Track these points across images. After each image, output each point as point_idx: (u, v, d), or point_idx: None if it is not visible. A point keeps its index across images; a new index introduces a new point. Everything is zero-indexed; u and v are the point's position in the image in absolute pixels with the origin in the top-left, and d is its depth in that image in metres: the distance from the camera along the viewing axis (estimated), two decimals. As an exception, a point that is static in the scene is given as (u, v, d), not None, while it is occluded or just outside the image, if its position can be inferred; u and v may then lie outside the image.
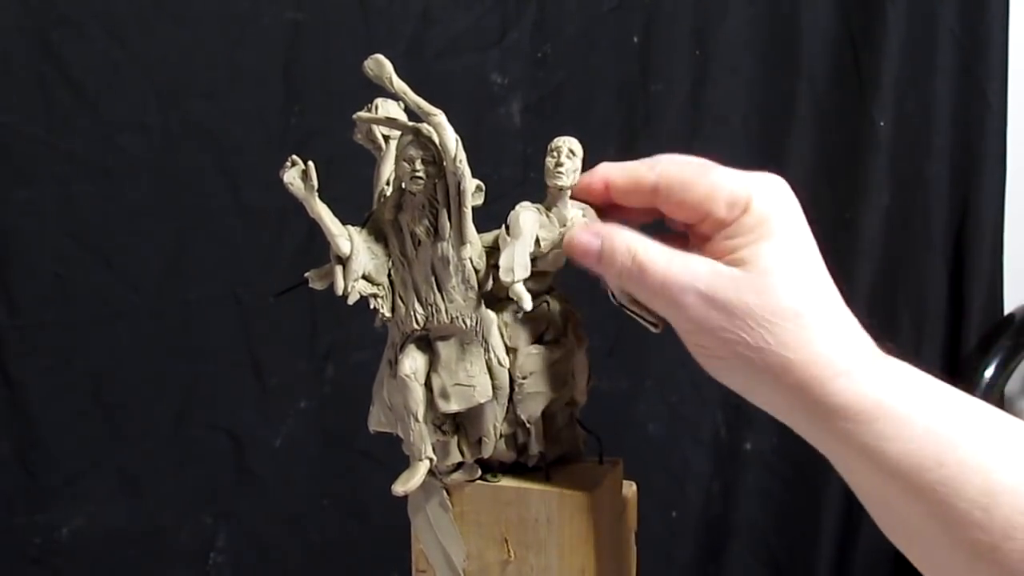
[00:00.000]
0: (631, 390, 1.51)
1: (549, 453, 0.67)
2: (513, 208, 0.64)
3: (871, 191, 1.62)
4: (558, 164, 0.61)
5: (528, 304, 0.59)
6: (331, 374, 1.25)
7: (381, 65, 0.57)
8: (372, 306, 0.64)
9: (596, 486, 0.64)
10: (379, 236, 0.63)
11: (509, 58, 1.34)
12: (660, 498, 1.53)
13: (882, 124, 1.60)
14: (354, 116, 0.63)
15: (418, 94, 0.57)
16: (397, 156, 0.61)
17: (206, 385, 1.19)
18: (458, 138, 0.59)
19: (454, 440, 0.64)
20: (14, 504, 1.12)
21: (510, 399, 0.63)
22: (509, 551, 0.64)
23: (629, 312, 0.60)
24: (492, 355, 0.61)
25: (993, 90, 1.70)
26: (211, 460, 1.20)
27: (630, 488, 0.69)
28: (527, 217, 0.61)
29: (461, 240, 0.60)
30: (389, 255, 0.63)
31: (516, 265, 0.60)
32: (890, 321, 1.69)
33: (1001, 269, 1.77)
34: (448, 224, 0.60)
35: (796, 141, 1.57)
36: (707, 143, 1.51)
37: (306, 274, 0.63)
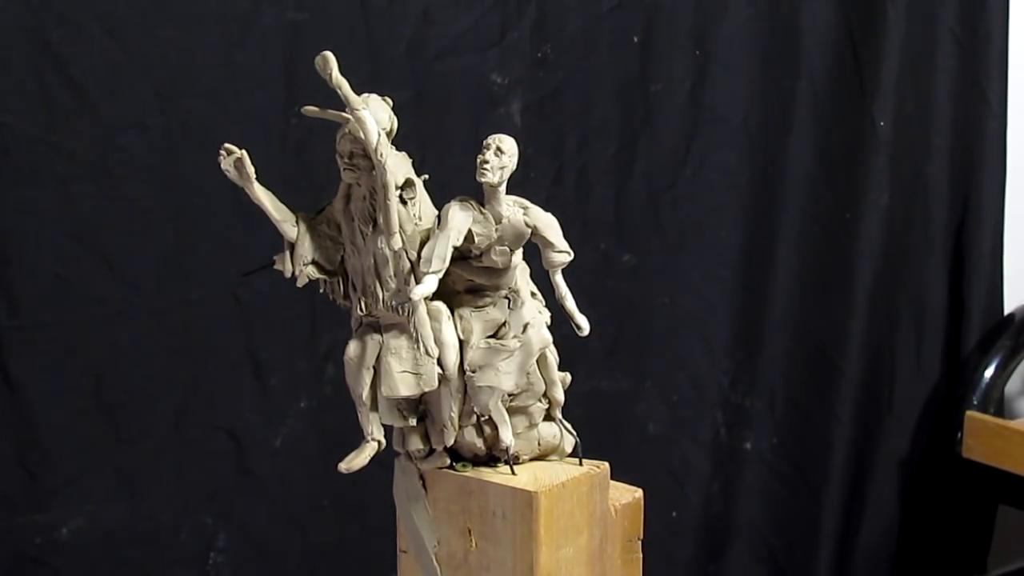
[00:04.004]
0: (631, 390, 1.51)
1: (522, 449, 0.68)
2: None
3: (871, 191, 1.62)
4: (483, 161, 0.62)
5: (419, 293, 0.61)
6: (331, 374, 1.25)
7: (326, 60, 0.60)
8: (322, 290, 0.67)
9: (551, 485, 0.64)
10: (332, 224, 0.66)
11: (509, 58, 1.34)
12: (660, 498, 1.54)
13: (882, 124, 1.60)
14: (301, 110, 0.65)
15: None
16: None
17: (206, 385, 1.19)
18: (381, 132, 0.61)
19: (416, 426, 0.66)
20: (14, 504, 1.12)
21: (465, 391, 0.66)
22: (472, 541, 0.65)
23: None
24: (420, 344, 0.63)
25: (993, 90, 1.70)
26: (211, 460, 1.21)
27: (634, 494, 0.69)
28: (455, 213, 0.63)
29: (388, 231, 0.62)
30: (343, 243, 0.66)
31: (434, 256, 0.61)
32: (890, 321, 1.69)
33: (1001, 269, 1.77)
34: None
35: (796, 141, 1.57)
36: (707, 143, 1.51)
37: (274, 257, 0.66)
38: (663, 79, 1.47)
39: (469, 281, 0.65)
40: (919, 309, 1.72)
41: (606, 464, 0.68)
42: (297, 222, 0.66)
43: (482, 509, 0.64)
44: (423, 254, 0.62)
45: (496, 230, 0.63)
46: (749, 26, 1.52)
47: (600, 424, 1.44)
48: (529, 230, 0.64)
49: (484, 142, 0.63)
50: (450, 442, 0.66)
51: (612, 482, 0.68)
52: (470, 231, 0.63)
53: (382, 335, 0.65)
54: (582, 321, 0.66)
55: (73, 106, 1.10)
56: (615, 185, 1.44)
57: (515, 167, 0.63)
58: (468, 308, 0.65)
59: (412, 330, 0.63)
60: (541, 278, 0.68)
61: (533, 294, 0.68)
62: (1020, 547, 1.80)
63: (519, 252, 0.66)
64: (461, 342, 0.64)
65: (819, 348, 1.64)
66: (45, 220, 1.11)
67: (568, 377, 0.70)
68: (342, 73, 0.60)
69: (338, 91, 0.60)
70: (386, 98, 0.64)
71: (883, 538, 1.72)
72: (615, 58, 1.43)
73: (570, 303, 0.66)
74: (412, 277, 0.63)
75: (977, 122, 1.71)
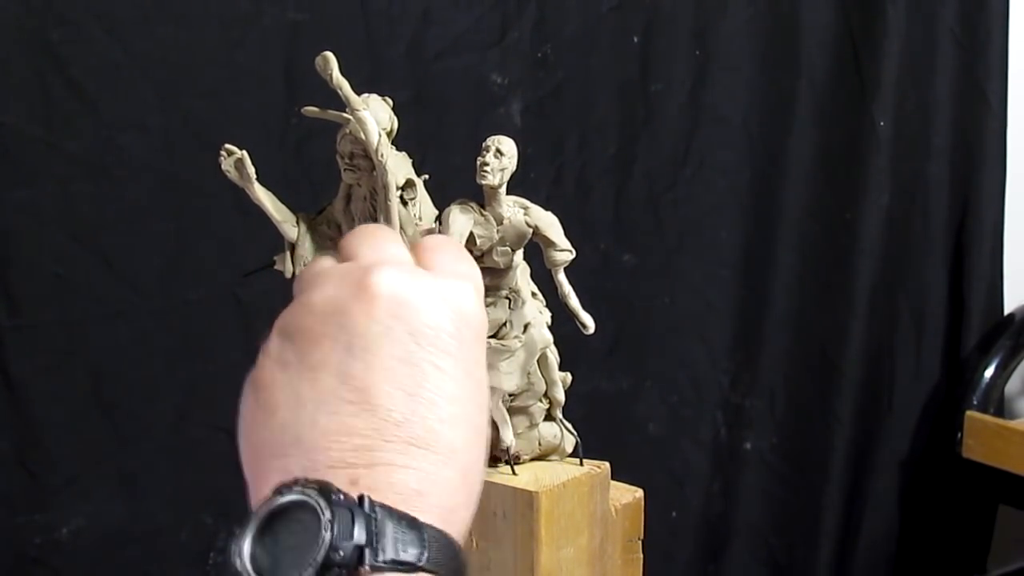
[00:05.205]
0: (631, 390, 1.51)
1: (522, 449, 0.68)
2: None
3: (871, 191, 1.62)
4: (484, 163, 0.62)
5: None
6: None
7: (327, 60, 0.60)
8: None
9: (552, 485, 0.64)
10: (332, 224, 0.66)
11: (509, 58, 1.34)
12: (660, 498, 1.54)
13: (882, 124, 1.60)
14: (302, 110, 0.65)
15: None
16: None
17: (206, 385, 1.19)
18: (382, 132, 0.61)
19: None
20: (14, 504, 1.12)
21: None
22: (473, 541, 0.65)
23: None
24: None
25: (993, 90, 1.70)
26: (211, 460, 1.20)
27: (635, 495, 0.69)
28: (456, 216, 0.63)
29: None
30: None
31: None
32: (890, 321, 1.69)
33: (1001, 269, 1.77)
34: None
35: (796, 141, 1.57)
36: (707, 143, 1.51)
37: (275, 257, 0.66)
38: (663, 79, 1.47)
39: (470, 281, 0.65)
40: (919, 309, 1.72)
41: (607, 464, 0.68)
42: (298, 222, 0.66)
43: (482, 509, 0.64)
44: None
45: (497, 231, 0.63)
46: (749, 26, 1.52)
47: (600, 424, 1.44)
48: (530, 230, 0.64)
49: (484, 144, 0.63)
50: None
51: (612, 482, 0.68)
52: (471, 233, 0.63)
53: None
54: (587, 319, 0.66)
55: (73, 106, 1.10)
56: (615, 185, 1.44)
57: (515, 168, 0.63)
58: None
59: None
60: (542, 278, 0.68)
61: (534, 294, 0.68)
62: (1020, 547, 1.80)
63: (520, 252, 0.66)
64: None
65: (819, 348, 1.64)
66: (45, 220, 1.11)
67: (568, 377, 0.70)
68: (342, 73, 0.60)
69: (338, 91, 0.60)
70: (386, 98, 0.64)
71: (883, 538, 1.72)
72: (615, 58, 1.43)
73: (574, 301, 0.66)
74: None
75: (977, 122, 1.71)
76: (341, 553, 0.37)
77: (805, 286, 1.61)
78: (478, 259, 0.64)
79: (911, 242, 1.69)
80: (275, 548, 0.39)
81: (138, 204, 1.15)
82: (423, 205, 0.65)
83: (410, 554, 0.38)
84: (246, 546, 0.39)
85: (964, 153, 1.71)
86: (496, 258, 0.64)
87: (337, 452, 0.40)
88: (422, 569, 0.38)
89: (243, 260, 1.17)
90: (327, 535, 0.37)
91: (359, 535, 0.38)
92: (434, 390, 0.42)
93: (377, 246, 0.46)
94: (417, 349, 0.42)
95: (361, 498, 0.39)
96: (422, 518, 0.39)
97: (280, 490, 0.39)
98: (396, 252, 0.46)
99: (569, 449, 0.70)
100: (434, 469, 0.41)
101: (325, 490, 0.39)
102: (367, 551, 0.37)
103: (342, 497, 0.38)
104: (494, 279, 0.65)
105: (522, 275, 0.67)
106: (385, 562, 0.38)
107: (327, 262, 0.47)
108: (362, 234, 0.48)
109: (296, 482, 0.39)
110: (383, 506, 0.39)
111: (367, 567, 0.37)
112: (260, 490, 0.41)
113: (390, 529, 0.38)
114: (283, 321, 0.45)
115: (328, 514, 0.38)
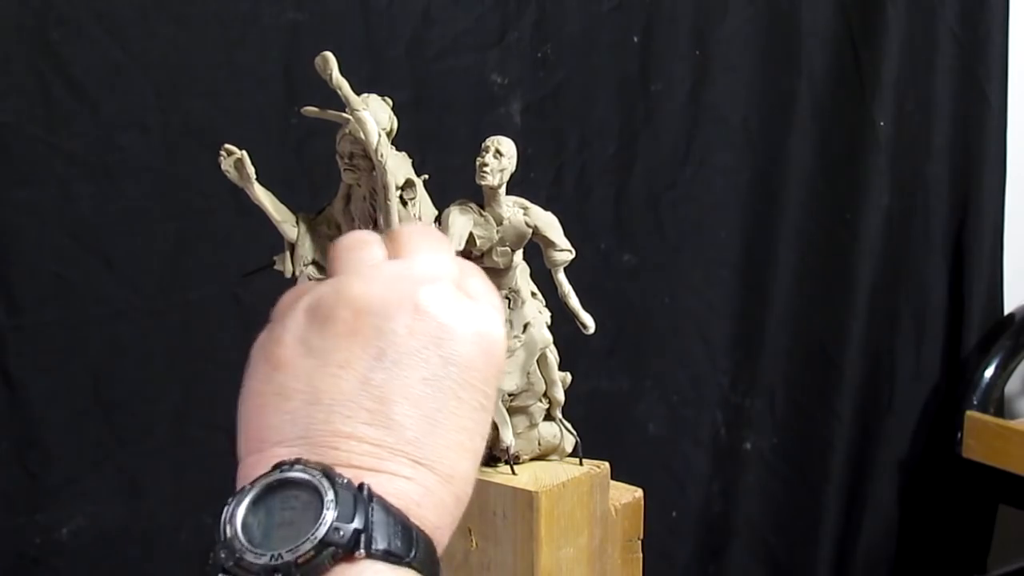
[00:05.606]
0: (631, 390, 1.51)
1: (522, 449, 0.68)
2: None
3: (871, 191, 1.62)
4: (483, 164, 0.62)
5: None
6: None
7: (326, 61, 0.60)
8: None
9: (552, 485, 0.64)
10: (332, 225, 0.66)
11: (509, 58, 1.34)
12: (660, 498, 1.54)
13: (882, 124, 1.61)
14: (301, 110, 0.65)
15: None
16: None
17: (206, 385, 1.19)
18: (381, 132, 0.61)
19: None
20: (14, 504, 1.12)
21: None
22: (473, 541, 0.65)
23: None
24: None
25: (993, 90, 1.70)
26: (211, 460, 1.20)
27: (635, 494, 0.69)
28: (456, 218, 0.63)
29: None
30: None
31: None
32: (890, 321, 1.69)
33: (1001, 269, 1.77)
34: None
35: (796, 141, 1.57)
36: (707, 143, 1.51)
37: (275, 257, 0.66)
38: (663, 79, 1.47)
39: (470, 281, 0.65)
40: (919, 309, 1.72)
41: (606, 464, 0.68)
42: (297, 222, 0.66)
43: (482, 509, 0.64)
44: None
45: (497, 231, 0.63)
46: (749, 26, 1.52)
47: (600, 424, 1.44)
48: (530, 230, 0.64)
49: (483, 144, 0.63)
50: None
51: (612, 482, 0.68)
52: (471, 234, 0.63)
53: None
54: (587, 319, 0.66)
55: (73, 106, 1.10)
56: (615, 185, 1.44)
57: (515, 168, 0.63)
58: None
59: None
60: (542, 278, 0.68)
61: (533, 294, 0.68)
62: (1020, 547, 1.80)
63: (520, 252, 0.66)
64: None
65: (819, 348, 1.64)
66: (45, 220, 1.11)
67: (568, 377, 0.70)
68: (342, 73, 0.60)
69: (338, 91, 0.60)
70: (386, 98, 0.64)
71: (883, 538, 1.72)
72: (615, 58, 1.43)
73: (574, 301, 0.66)
74: None
75: (977, 122, 1.71)
76: (341, 533, 0.38)
77: (805, 286, 1.61)
78: (478, 259, 0.64)
79: (911, 242, 1.69)
80: (268, 521, 0.39)
81: (138, 204, 1.15)
82: (423, 205, 0.65)
83: (400, 548, 0.39)
84: (240, 514, 0.39)
85: (964, 153, 1.71)
86: (496, 258, 0.64)
87: (345, 453, 0.41)
88: (409, 565, 0.39)
89: (243, 260, 1.17)
90: (330, 514, 0.38)
91: (358, 520, 0.38)
92: (449, 417, 0.43)
93: (438, 260, 0.46)
94: (445, 376, 0.43)
95: (361, 486, 0.39)
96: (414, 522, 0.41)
97: (280, 467, 0.40)
98: (452, 274, 0.46)
99: (569, 449, 0.70)
100: (433, 488, 0.42)
101: (328, 472, 0.39)
102: (362, 537, 0.38)
103: (345, 481, 0.39)
104: (494, 279, 0.65)
105: (522, 275, 0.67)
106: (378, 551, 0.38)
107: (377, 250, 0.47)
108: (426, 238, 0.48)
109: (298, 461, 0.40)
110: (380, 499, 0.40)
111: (361, 552, 0.38)
112: (255, 468, 0.42)
113: (383, 521, 0.39)
114: (315, 299, 0.45)
115: (332, 494, 0.39)
